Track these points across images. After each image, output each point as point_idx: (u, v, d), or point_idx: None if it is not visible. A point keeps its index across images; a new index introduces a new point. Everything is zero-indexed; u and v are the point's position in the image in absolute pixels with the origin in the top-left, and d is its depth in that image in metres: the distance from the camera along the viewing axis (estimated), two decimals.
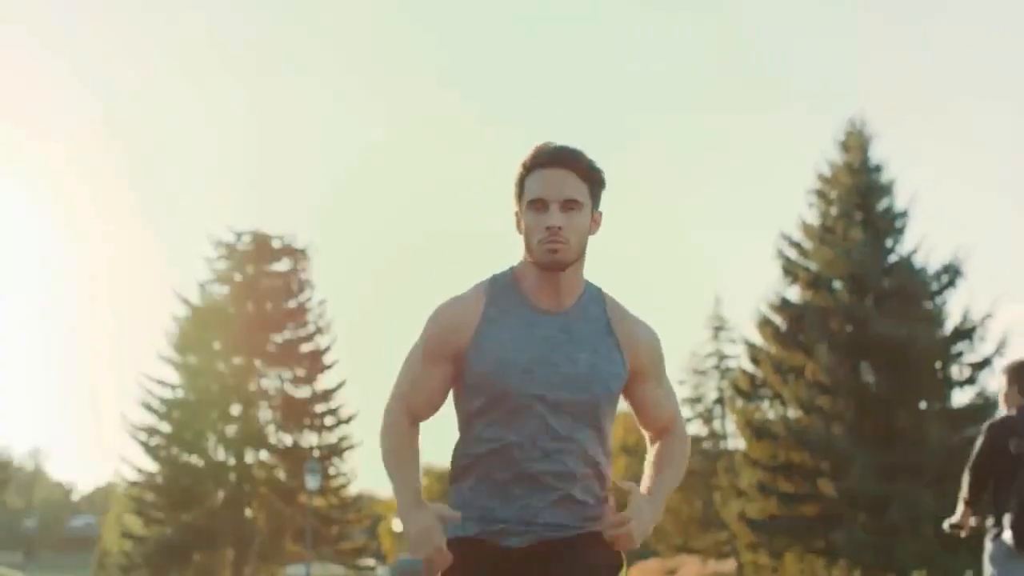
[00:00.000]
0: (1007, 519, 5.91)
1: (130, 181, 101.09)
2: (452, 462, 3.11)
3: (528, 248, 3.03)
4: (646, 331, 3.13)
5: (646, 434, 3.22)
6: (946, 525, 6.21)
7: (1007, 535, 5.89)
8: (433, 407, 3.11)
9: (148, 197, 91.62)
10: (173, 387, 35.75)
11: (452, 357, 3.05)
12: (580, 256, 3.04)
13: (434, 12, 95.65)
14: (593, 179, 3.04)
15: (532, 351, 2.99)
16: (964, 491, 6.17)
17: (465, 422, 3.08)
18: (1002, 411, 6.36)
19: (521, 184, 3.05)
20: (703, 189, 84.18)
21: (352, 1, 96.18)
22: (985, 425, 6.14)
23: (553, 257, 2.97)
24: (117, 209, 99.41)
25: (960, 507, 6.30)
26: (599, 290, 3.13)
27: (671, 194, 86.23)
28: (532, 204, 3.00)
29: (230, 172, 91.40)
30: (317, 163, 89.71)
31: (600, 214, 3.09)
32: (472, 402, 3.04)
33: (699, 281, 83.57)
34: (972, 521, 6.12)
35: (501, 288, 3.08)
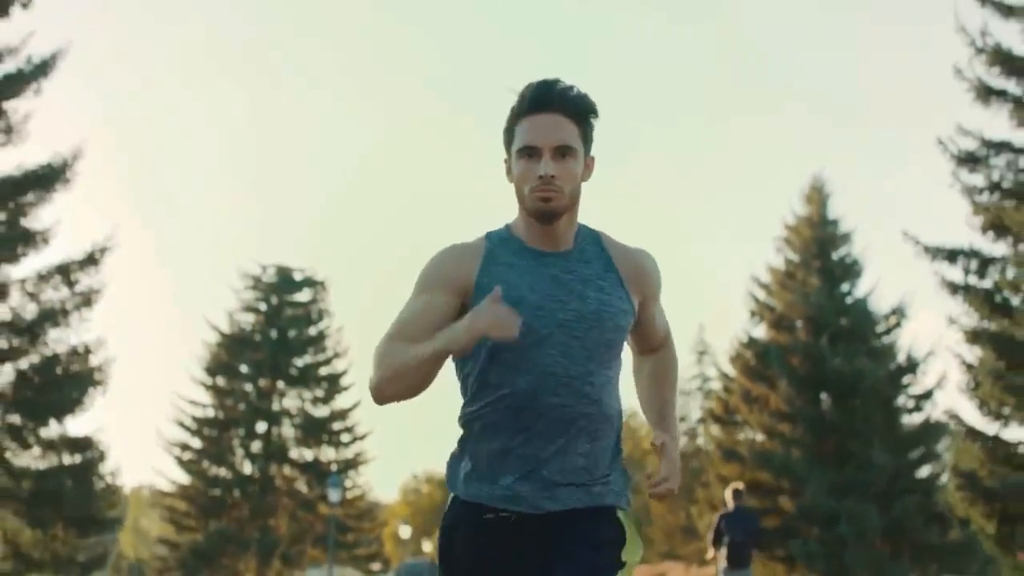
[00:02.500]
0: (723, 553, 13.31)
1: (130, 182, 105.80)
2: (461, 423, 3.11)
3: (520, 198, 3.03)
4: (646, 259, 3.18)
5: (634, 349, 3.37)
6: (707, 557, 13.85)
7: (723, 564, 13.31)
8: (432, 333, 2.97)
9: (147, 198, 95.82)
10: (204, 406, 41.09)
11: (456, 291, 3.03)
12: (574, 204, 3.05)
13: (433, 16, 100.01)
14: (586, 121, 3.04)
15: (542, 288, 3.00)
16: (710, 543, 13.12)
17: (469, 370, 3.08)
18: (729, 507, 13.86)
19: (511, 131, 3.05)
20: (702, 192, 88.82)
21: (354, 6, 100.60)
22: (717, 515, 13.17)
23: (546, 206, 2.98)
24: (115, 209, 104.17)
25: (710, 550, 13.63)
26: (595, 231, 3.17)
27: (670, 198, 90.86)
28: (523, 151, 2.99)
29: (229, 175, 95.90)
30: (318, 167, 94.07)
31: (592, 159, 3.09)
32: (480, 344, 3.00)
33: (699, 282, 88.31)
34: (718, 558, 13.14)
35: (499, 237, 3.11)
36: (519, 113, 3.02)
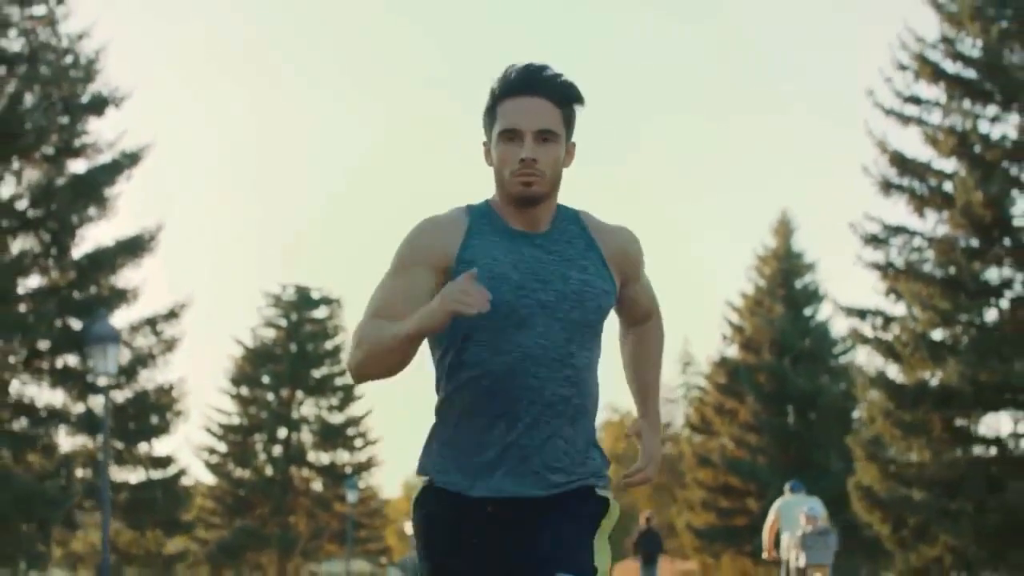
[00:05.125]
0: (641, 558, 20.73)
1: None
2: (436, 407, 3.15)
3: (499, 182, 3.09)
4: (628, 238, 3.24)
5: (620, 320, 3.37)
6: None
7: (640, 564, 20.71)
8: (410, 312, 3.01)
9: (147, 197, 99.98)
10: (229, 414, 47.26)
11: (435, 268, 3.07)
12: (554, 190, 3.10)
13: (433, 15, 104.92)
14: (569, 106, 3.11)
15: (524, 267, 3.05)
16: (631, 552, 20.11)
17: (445, 350, 3.11)
18: (643, 527, 21.58)
19: (492, 112, 3.10)
20: (703, 192, 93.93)
21: (354, 6, 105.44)
22: (636, 532, 20.02)
23: (527, 191, 3.03)
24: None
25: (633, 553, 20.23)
26: (574, 210, 3.21)
27: (671, 198, 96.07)
28: (504, 135, 3.05)
29: (230, 176, 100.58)
30: (319, 168, 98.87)
31: (574, 146, 3.15)
32: (457, 323, 3.00)
33: (699, 282, 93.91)
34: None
35: (480, 212, 3.15)
36: (501, 94, 3.08)
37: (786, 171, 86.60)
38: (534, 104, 3.04)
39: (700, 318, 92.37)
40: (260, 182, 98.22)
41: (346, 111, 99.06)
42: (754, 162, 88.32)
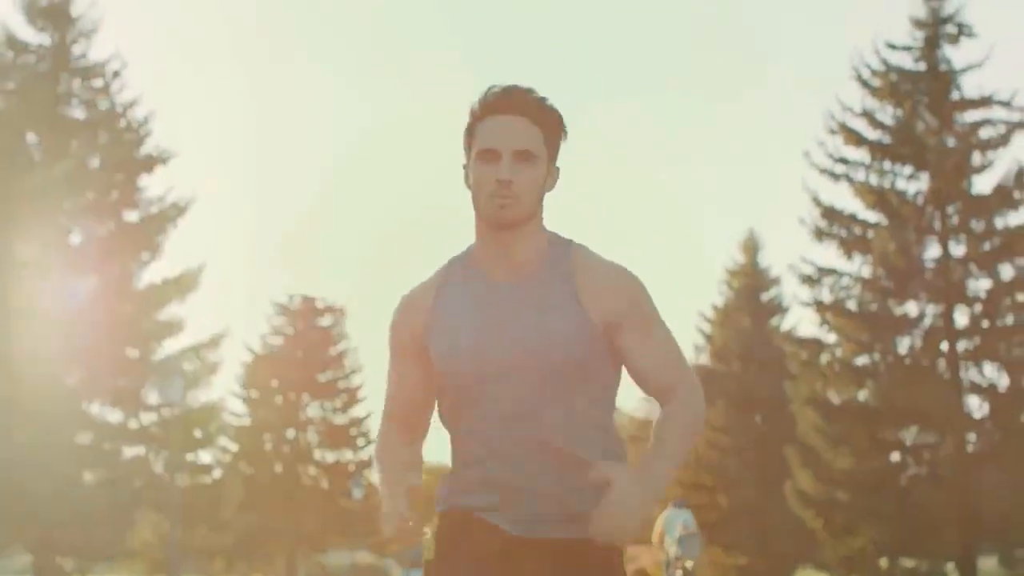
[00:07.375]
0: None
1: None
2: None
3: (476, 204, 3.14)
4: (617, 275, 3.19)
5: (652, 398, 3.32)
6: None
7: None
8: (417, 408, 3.35)
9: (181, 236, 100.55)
10: (240, 416, 52.49)
11: (415, 354, 3.27)
12: (534, 214, 3.14)
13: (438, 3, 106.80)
14: (550, 127, 3.14)
15: (483, 328, 3.14)
16: None
17: (439, 402, 3.32)
18: None
19: (471, 132, 3.15)
20: (689, 169, 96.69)
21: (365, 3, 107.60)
22: None
23: (501, 214, 3.09)
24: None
25: None
26: (568, 243, 3.22)
27: (659, 174, 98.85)
28: (482, 155, 3.10)
29: (232, 164, 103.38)
30: (322, 154, 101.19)
31: (558, 170, 3.18)
32: (440, 395, 3.27)
33: (688, 260, 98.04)
34: None
35: (457, 266, 3.25)
36: (481, 113, 3.13)
37: (774, 147, 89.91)
38: (514, 123, 3.10)
39: (676, 329, 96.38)
40: (259, 182, 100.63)
41: (346, 97, 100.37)
42: (741, 138, 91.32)
